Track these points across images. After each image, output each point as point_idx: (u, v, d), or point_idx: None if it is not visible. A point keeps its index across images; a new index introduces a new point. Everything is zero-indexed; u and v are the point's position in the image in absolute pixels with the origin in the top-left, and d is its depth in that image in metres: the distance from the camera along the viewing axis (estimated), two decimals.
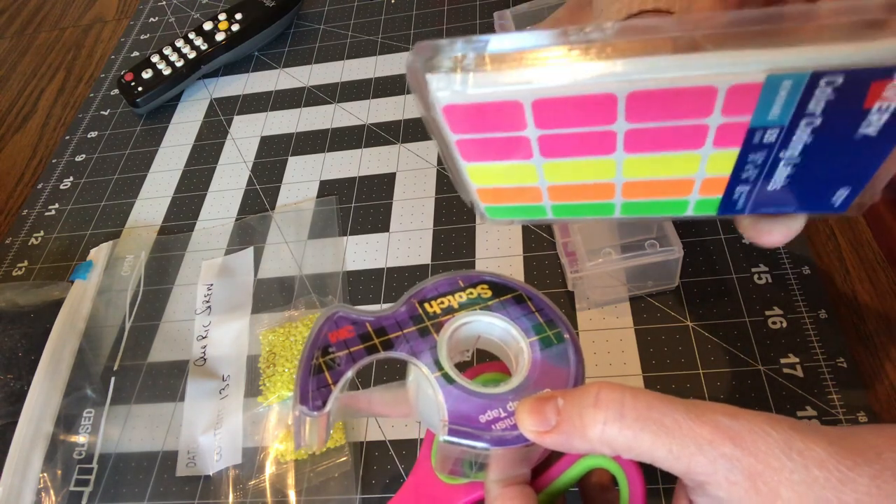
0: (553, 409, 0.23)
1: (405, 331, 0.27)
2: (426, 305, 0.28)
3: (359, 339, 0.27)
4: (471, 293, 0.28)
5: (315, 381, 0.26)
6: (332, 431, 0.40)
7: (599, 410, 0.22)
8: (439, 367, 0.26)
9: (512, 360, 0.28)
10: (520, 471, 0.26)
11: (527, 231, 0.47)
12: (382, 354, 0.27)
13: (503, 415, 0.25)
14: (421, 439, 0.39)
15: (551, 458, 0.27)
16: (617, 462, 0.25)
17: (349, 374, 0.26)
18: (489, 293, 0.28)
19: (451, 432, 0.24)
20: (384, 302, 0.46)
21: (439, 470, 0.28)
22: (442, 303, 0.28)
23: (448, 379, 0.26)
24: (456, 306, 0.28)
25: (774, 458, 0.20)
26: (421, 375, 0.26)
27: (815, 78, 0.17)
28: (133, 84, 0.63)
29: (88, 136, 0.64)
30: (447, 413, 0.25)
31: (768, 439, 0.20)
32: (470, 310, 0.28)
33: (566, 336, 0.27)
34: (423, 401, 0.27)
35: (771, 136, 0.20)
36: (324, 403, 0.25)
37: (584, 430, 0.22)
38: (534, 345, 0.27)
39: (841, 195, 0.22)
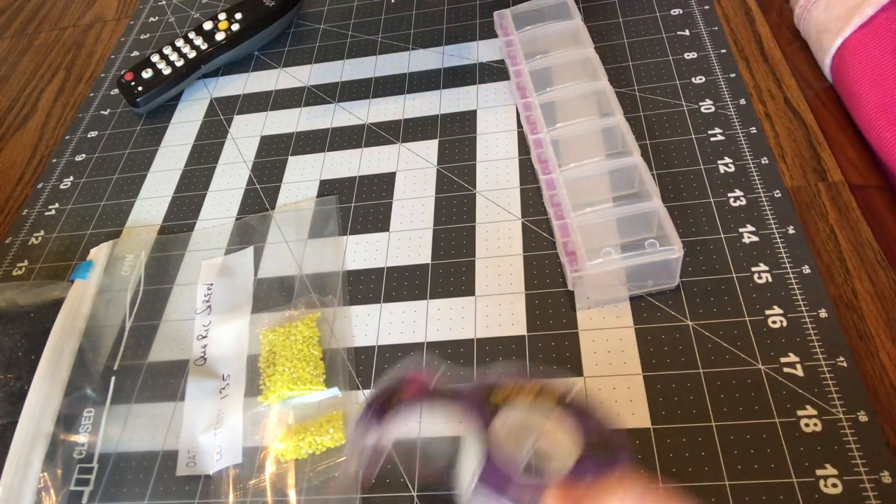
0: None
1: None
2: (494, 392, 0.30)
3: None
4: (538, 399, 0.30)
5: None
6: (332, 431, 0.40)
7: None
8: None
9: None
10: None
11: (527, 231, 0.47)
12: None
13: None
14: (421, 439, 0.39)
15: None
16: None
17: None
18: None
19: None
20: (384, 302, 0.46)
21: None
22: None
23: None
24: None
25: None
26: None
27: None
28: (133, 84, 0.63)
29: (88, 135, 0.64)
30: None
31: None
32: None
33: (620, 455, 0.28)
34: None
35: None
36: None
37: None
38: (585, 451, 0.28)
39: None
